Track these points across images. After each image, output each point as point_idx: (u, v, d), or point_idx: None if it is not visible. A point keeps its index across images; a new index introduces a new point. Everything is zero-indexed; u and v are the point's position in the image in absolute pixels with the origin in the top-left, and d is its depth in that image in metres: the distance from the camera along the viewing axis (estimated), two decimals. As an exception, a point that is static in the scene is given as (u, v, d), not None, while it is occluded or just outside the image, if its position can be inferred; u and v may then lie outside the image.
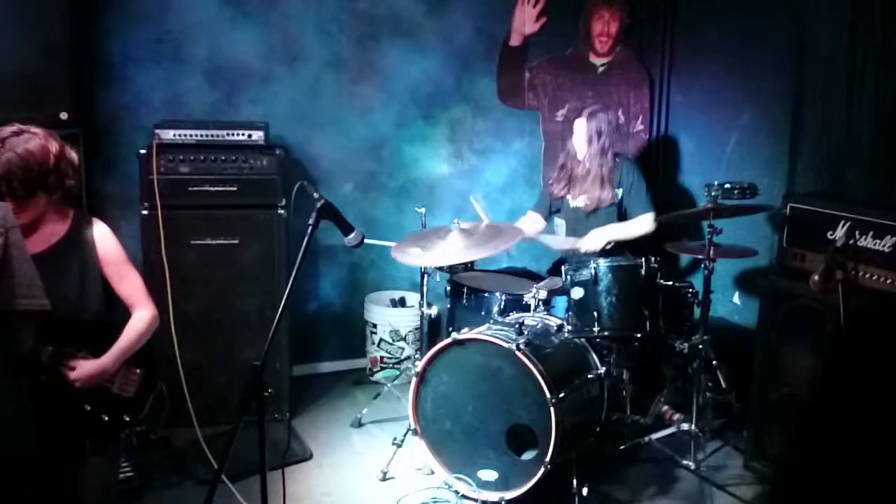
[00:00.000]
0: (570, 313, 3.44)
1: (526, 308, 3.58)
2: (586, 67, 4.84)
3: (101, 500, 2.45)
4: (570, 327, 3.43)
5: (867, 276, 2.97)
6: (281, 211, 3.73)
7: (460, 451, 3.26)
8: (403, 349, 4.47)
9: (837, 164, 3.52)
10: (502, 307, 3.60)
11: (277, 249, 3.75)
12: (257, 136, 3.75)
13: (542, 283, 3.67)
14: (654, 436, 3.60)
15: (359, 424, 3.95)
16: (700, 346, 3.49)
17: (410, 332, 4.46)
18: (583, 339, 3.44)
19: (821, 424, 3.07)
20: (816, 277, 2.93)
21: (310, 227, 2.37)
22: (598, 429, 3.40)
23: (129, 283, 2.42)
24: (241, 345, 3.69)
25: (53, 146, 2.21)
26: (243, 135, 3.74)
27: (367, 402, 4.05)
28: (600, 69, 4.86)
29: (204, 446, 3.36)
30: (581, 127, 3.95)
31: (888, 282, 2.91)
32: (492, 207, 4.33)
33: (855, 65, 3.40)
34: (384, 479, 3.44)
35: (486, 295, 3.67)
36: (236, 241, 3.72)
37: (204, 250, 3.68)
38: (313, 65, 4.28)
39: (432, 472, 3.39)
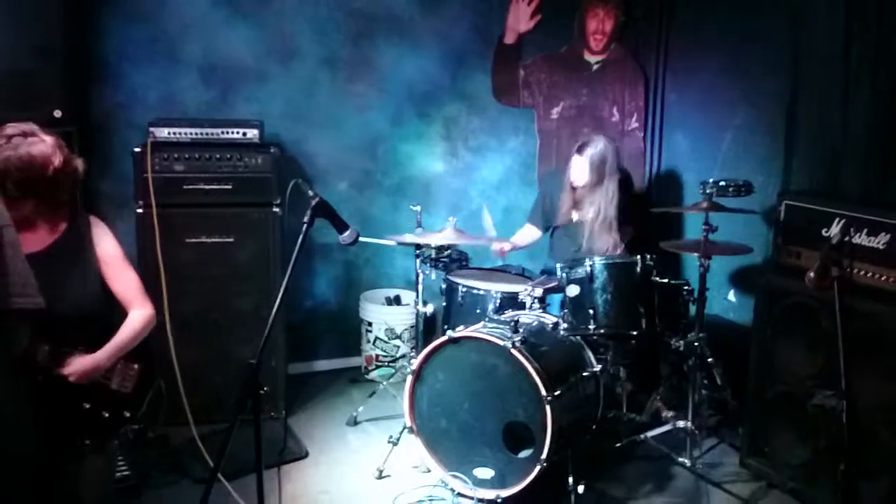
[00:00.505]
0: (566, 311, 3.45)
1: (521, 306, 3.57)
2: (581, 65, 4.83)
3: (99, 498, 2.46)
4: (565, 325, 3.43)
5: (862, 273, 2.97)
6: (276, 209, 3.72)
7: (456, 448, 3.26)
8: (399, 347, 4.47)
9: (832, 162, 3.54)
10: (498, 305, 3.60)
11: (272, 247, 3.74)
12: (252, 134, 3.75)
13: (537, 281, 3.68)
14: (650, 433, 3.61)
15: (355, 423, 3.94)
16: (696, 344, 3.50)
17: (406, 330, 4.46)
18: (578, 337, 3.44)
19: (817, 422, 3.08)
20: (812, 274, 2.95)
21: (305, 225, 2.37)
22: (593, 426, 3.40)
23: (126, 282, 2.43)
24: (237, 343, 3.69)
25: (57, 158, 2.19)
26: (238, 133, 3.73)
27: (363, 401, 4.04)
28: (595, 67, 4.86)
29: (200, 445, 3.35)
30: (578, 162, 3.96)
31: (883, 278, 2.91)
32: (489, 208, 4.35)
33: (850, 65, 3.42)
34: (380, 477, 3.44)
35: (482, 293, 3.67)
36: (231, 240, 3.71)
37: (199, 248, 3.67)
38: (308, 63, 4.27)
39: (428, 470, 3.39)
